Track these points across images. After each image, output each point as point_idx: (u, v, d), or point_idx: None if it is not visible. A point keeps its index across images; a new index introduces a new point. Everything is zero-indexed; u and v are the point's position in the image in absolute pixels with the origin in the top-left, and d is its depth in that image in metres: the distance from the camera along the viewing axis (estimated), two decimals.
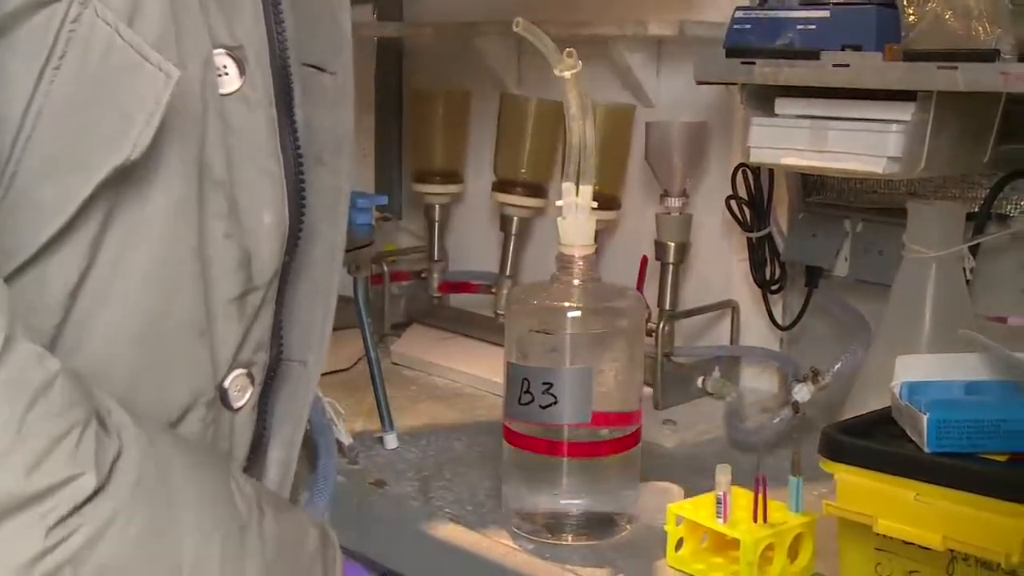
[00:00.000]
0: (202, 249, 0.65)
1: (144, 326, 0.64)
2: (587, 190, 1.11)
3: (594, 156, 1.13)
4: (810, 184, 1.49)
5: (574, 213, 1.10)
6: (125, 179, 0.61)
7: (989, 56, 1.09)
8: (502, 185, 1.73)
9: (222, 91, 0.67)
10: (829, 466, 0.96)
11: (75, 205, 0.59)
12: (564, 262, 1.11)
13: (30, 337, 0.57)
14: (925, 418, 0.91)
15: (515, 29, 1.09)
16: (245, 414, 0.72)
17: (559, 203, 1.11)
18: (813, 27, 1.25)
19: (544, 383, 1.10)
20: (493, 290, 1.72)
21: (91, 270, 0.61)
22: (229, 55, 0.68)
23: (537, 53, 1.14)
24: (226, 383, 0.70)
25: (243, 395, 0.71)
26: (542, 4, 1.58)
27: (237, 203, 0.67)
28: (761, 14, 1.30)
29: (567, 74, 1.11)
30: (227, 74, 0.67)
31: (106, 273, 0.62)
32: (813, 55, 1.22)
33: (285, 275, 0.74)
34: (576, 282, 1.11)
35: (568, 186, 1.12)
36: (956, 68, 1.11)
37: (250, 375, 0.72)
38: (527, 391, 1.10)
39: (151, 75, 0.60)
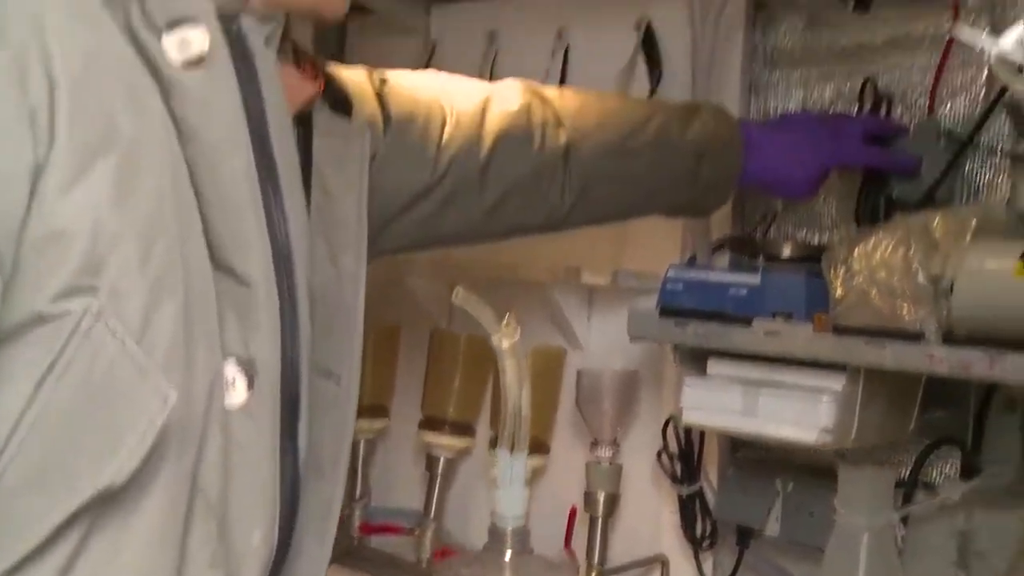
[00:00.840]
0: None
1: None
2: (521, 459, 1.09)
3: (529, 423, 1.13)
4: (740, 439, 1.49)
5: (508, 485, 1.07)
6: (108, 500, 0.58)
7: (915, 337, 1.11)
8: (429, 423, 1.70)
9: (228, 403, 0.65)
10: None
11: (52, 524, 0.56)
12: (496, 535, 1.07)
13: None
14: None
15: (454, 301, 1.09)
16: None
17: (493, 472, 1.09)
18: (744, 293, 1.28)
19: None
20: (416, 532, 1.67)
21: None
22: (240, 368, 0.66)
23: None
24: None
25: None
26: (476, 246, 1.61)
27: (227, 523, 0.64)
28: (693, 276, 1.32)
29: (505, 343, 1.11)
30: (235, 387, 0.66)
31: None
32: (745, 321, 1.24)
33: None
34: (507, 556, 1.07)
35: (503, 453, 1.11)
36: (884, 346, 1.13)
37: None
38: None
39: (149, 395, 0.58)
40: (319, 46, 1.85)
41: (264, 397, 0.68)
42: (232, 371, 0.66)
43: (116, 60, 0.65)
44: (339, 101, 0.95)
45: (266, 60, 0.73)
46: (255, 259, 0.69)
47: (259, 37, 0.73)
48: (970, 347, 1.07)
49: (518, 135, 1.14)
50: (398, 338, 1.85)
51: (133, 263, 0.62)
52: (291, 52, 0.90)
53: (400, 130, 1.07)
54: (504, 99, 1.16)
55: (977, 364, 1.06)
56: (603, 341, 1.62)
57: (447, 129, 1.10)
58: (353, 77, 1.05)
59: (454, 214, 1.13)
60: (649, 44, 1.52)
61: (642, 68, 1.53)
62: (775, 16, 1.44)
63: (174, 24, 0.66)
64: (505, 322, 1.11)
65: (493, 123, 1.13)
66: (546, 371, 1.64)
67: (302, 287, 0.72)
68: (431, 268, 1.69)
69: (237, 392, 0.67)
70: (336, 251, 0.85)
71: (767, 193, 1.40)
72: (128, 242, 0.62)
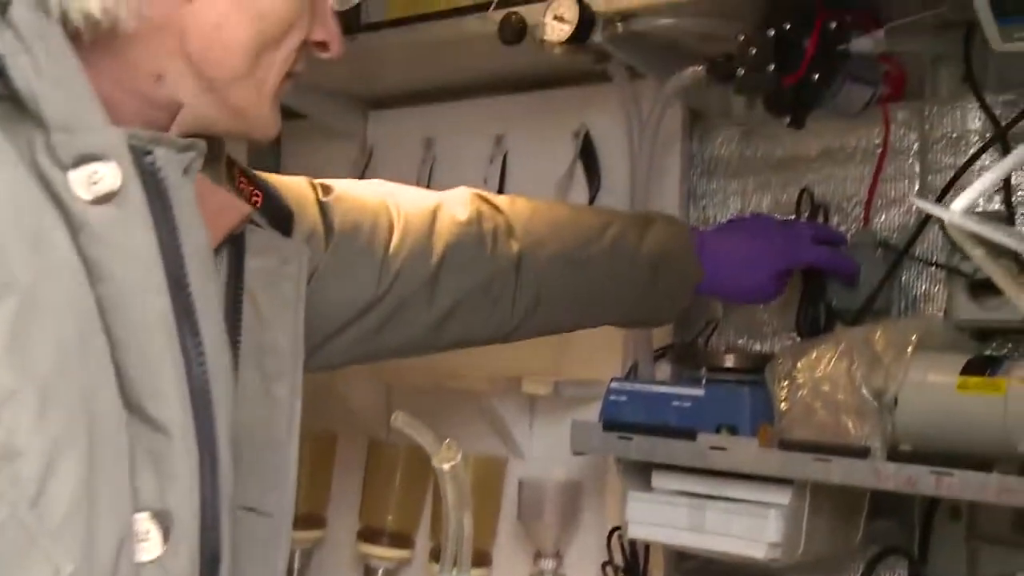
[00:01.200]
0: None
1: None
2: None
3: (471, 543, 1.09)
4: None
5: None
6: None
7: (861, 453, 1.11)
8: (367, 533, 1.66)
9: (140, 558, 0.61)
10: None
11: None
12: None
13: None
14: None
15: (393, 425, 1.06)
16: None
17: None
18: (688, 405, 1.27)
19: None
20: None
21: None
22: (154, 521, 0.62)
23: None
24: None
25: None
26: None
27: None
28: (637, 388, 1.31)
29: (445, 466, 1.08)
30: (148, 539, 0.62)
31: None
32: (689, 435, 1.23)
33: None
34: None
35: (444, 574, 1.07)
36: (830, 461, 1.13)
37: None
38: None
39: (39, 567, 0.54)
40: (253, 152, 1.84)
41: (180, 550, 0.64)
42: (145, 524, 0.63)
43: (15, 200, 0.62)
44: (278, 215, 0.93)
45: (183, 192, 0.70)
46: (171, 406, 0.65)
47: (176, 168, 0.71)
48: (916, 463, 1.07)
49: (469, 244, 1.11)
50: (334, 446, 1.81)
51: (29, 419, 0.59)
52: (224, 169, 0.88)
53: (344, 241, 1.04)
54: (454, 207, 1.12)
55: (923, 481, 1.06)
56: (545, 450, 1.60)
57: (394, 238, 1.07)
58: (293, 187, 1.02)
59: (399, 328, 1.09)
60: (587, 152, 1.53)
61: (581, 176, 1.54)
62: (712, 127, 1.46)
63: (81, 160, 0.64)
64: (446, 445, 1.08)
65: (443, 232, 1.10)
66: (487, 481, 1.61)
67: (223, 432, 0.69)
68: (367, 376, 1.66)
69: (151, 545, 0.63)
70: (269, 380, 0.81)
71: (726, 300, 1.40)
72: (24, 396, 0.59)
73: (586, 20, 1.25)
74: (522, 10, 1.30)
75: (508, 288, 1.14)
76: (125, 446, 0.63)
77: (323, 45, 0.83)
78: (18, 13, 0.63)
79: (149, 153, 0.68)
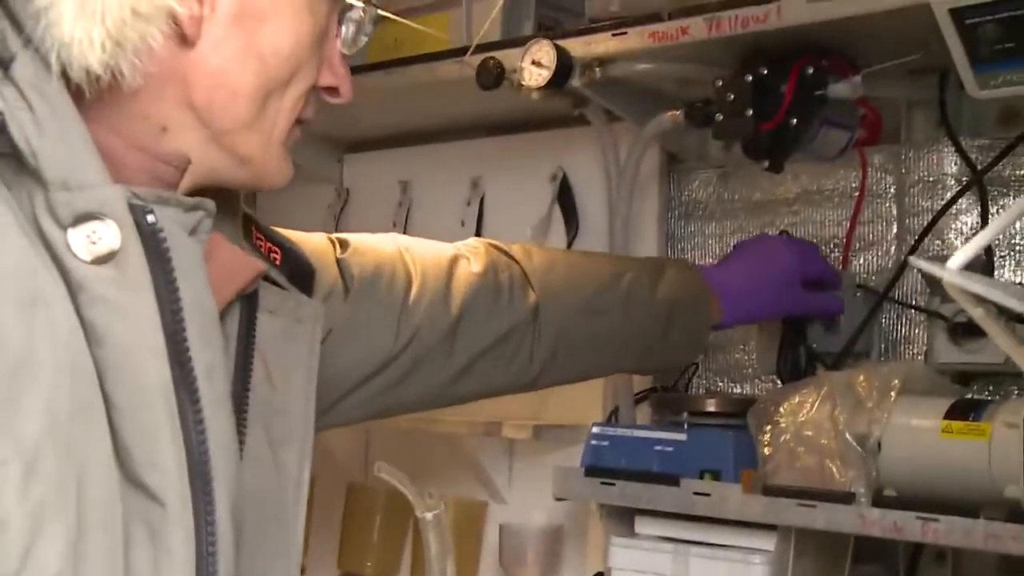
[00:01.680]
0: None
1: None
2: None
3: None
4: None
5: None
6: None
7: (846, 499, 1.11)
8: None
9: None
10: None
11: None
12: None
13: None
14: None
15: (377, 475, 1.05)
16: None
17: None
18: (671, 449, 1.26)
19: None
20: None
21: None
22: None
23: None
24: None
25: None
26: None
27: None
28: (619, 433, 1.30)
29: (428, 515, 1.07)
30: None
31: None
32: (673, 481, 1.22)
33: None
34: None
35: None
36: (815, 507, 1.12)
37: None
38: None
39: None
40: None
41: None
42: None
43: (11, 260, 0.60)
44: (299, 273, 0.90)
45: (188, 253, 0.68)
46: (168, 475, 0.63)
47: (181, 228, 0.68)
48: (901, 509, 1.06)
49: (486, 297, 1.09)
50: (312, 489, 1.77)
51: (13, 488, 0.57)
52: (240, 225, 0.85)
53: (362, 299, 1.02)
54: (469, 259, 1.11)
55: (910, 527, 1.06)
56: (525, 494, 1.59)
57: (412, 294, 1.05)
58: (312, 244, 1.00)
59: (417, 383, 1.06)
60: (565, 195, 1.53)
61: (559, 218, 1.54)
62: (689, 169, 1.47)
63: (80, 219, 0.62)
64: (428, 494, 1.07)
65: (459, 285, 1.08)
66: (467, 525, 1.59)
67: (223, 505, 0.66)
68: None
69: None
70: (277, 445, 0.79)
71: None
72: (9, 465, 0.58)
73: (564, 65, 1.26)
74: (499, 55, 1.30)
75: (526, 339, 1.13)
76: (118, 517, 0.61)
77: (332, 90, 0.81)
78: (20, 70, 0.62)
79: (151, 212, 0.66)
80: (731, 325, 1.28)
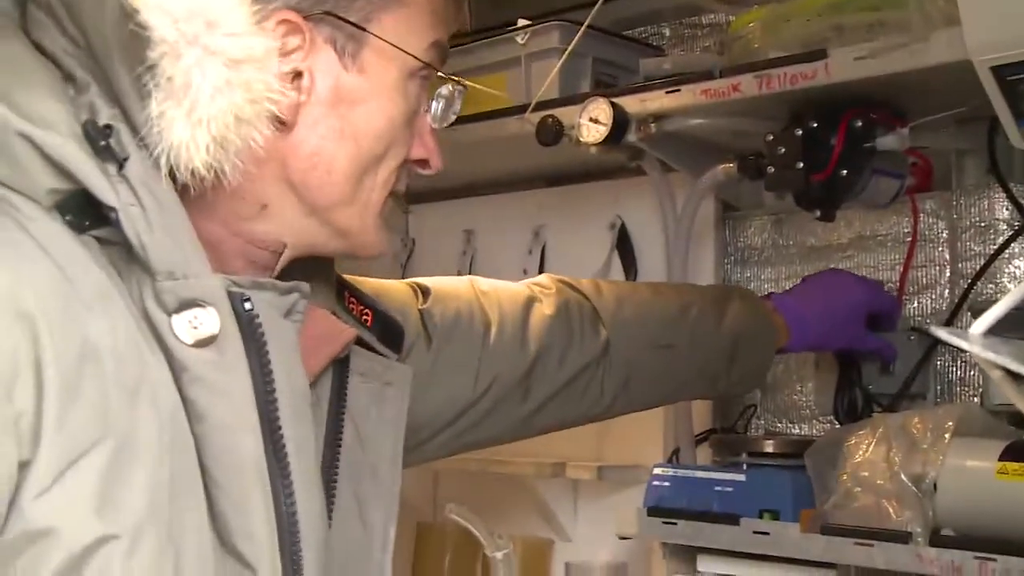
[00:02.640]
0: None
1: None
2: None
3: None
4: None
5: None
6: None
7: (903, 538, 1.13)
8: None
9: None
10: None
11: None
12: None
13: None
14: None
15: (449, 516, 1.10)
16: None
17: None
18: (731, 489, 1.29)
19: None
20: None
21: None
22: None
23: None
24: None
25: None
26: None
27: None
28: (680, 473, 1.34)
29: (499, 555, 1.12)
30: None
31: None
32: (733, 520, 1.26)
33: None
34: None
35: None
36: (872, 546, 1.15)
37: None
38: None
39: None
40: None
41: None
42: None
43: (122, 342, 0.65)
44: (389, 333, 0.93)
45: (282, 336, 0.72)
46: (260, 544, 0.68)
47: (276, 311, 0.73)
48: (959, 548, 1.09)
49: (560, 337, 1.13)
50: None
51: (118, 563, 0.62)
52: (335, 290, 0.89)
53: (443, 345, 1.05)
54: (543, 300, 1.15)
55: (967, 566, 1.08)
56: (589, 533, 1.63)
57: (490, 340, 1.08)
58: (398, 295, 1.03)
59: (494, 423, 1.10)
60: (623, 243, 1.58)
61: (618, 265, 1.58)
62: (744, 216, 1.51)
63: (184, 305, 0.68)
64: (498, 535, 1.12)
65: (535, 328, 1.12)
66: (534, 563, 1.63)
67: (311, 573, 0.71)
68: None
69: None
70: (364, 505, 0.83)
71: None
72: (115, 537, 0.63)
73: (620, 122, 1.31)
74: (558, 112, 1.36)
75: (597, 374, 1.16)
76: None
77: (423, 162, 0.84)
78: (133, 168, 0.67)
79: (248, 299, 0.70)
80: (798, 350, 1.32)
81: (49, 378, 0.61)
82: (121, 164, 0.67)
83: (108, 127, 0.67)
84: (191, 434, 0.67)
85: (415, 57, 0.79)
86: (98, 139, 0.66)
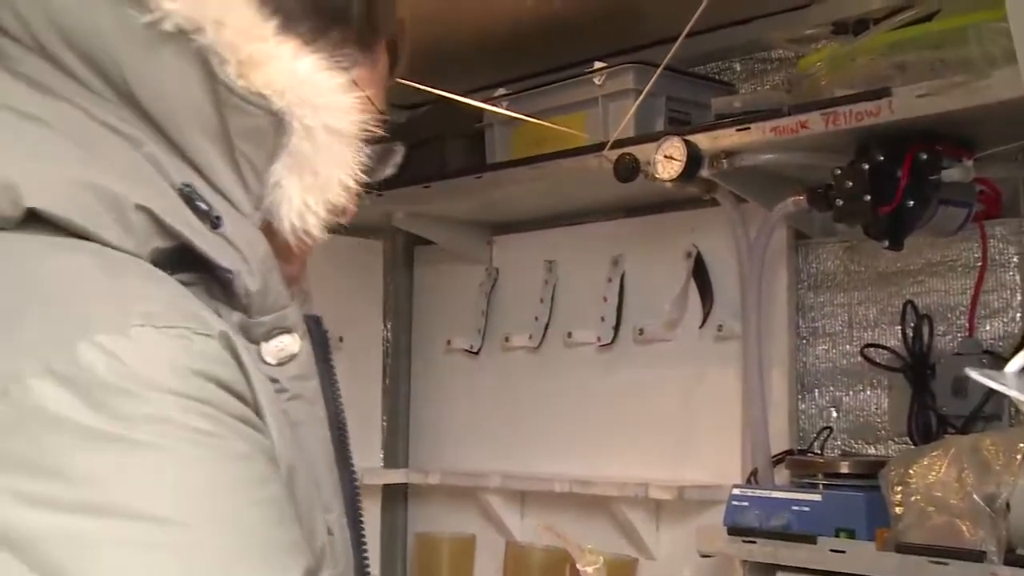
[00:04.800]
0: None
1: None
2: None
3: None
4: None
5: None
6: None
7: (977, 557, 1.17)
8: None
9: None
10: None
11: None
12: None
13: None
14: None
15: (542, 531, 1.17)
16: None
17: None
18: (807, 509, 1.34)
19: None
20: None
21: None
22: None
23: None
24: None
25: None
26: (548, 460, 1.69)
27: None
28: (759, 493, 1.39)
29: (590, 569, 1.18)
30: None
31: None
32: (810, 539, 1.31)
33: None
34: None
35: None
36: (947, 564, 1.19)
37: None
38: None
39: None
40: (389, 274, 2.00)
41: None
42: None
43: (266, 383, 0.75)
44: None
45: (324, 340, 0.83)
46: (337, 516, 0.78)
47: (312, 322, 0.81)
48: None
49: None
50: (473, 548, 1.92)
51: None
52: None
53: None
54: None
55: None
56: (671, 551, 1.68)
57: None
58: None
59: None
60: (700, 271, 1.63)
61: (695, 292, 1.64)
62: (816, 243, 1.55)
63: (272, 335, 0.75)
64: (588, 550, 1.18)
65: None
66: None
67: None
68: (503, 482, 1.77)
69: None
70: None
71: None
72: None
73: (694, 158, 1.37)
74: (634, 150, 1.43)
75: None
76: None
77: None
78: (228, 228, 0.72)
79: (313, 319, 0.81)
80: None
81: (262, 407, 0.68)
82: (215, 224, 0.72)
83: (188, 186, 0.71)
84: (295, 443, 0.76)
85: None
86: (194, 200, 0.71)
